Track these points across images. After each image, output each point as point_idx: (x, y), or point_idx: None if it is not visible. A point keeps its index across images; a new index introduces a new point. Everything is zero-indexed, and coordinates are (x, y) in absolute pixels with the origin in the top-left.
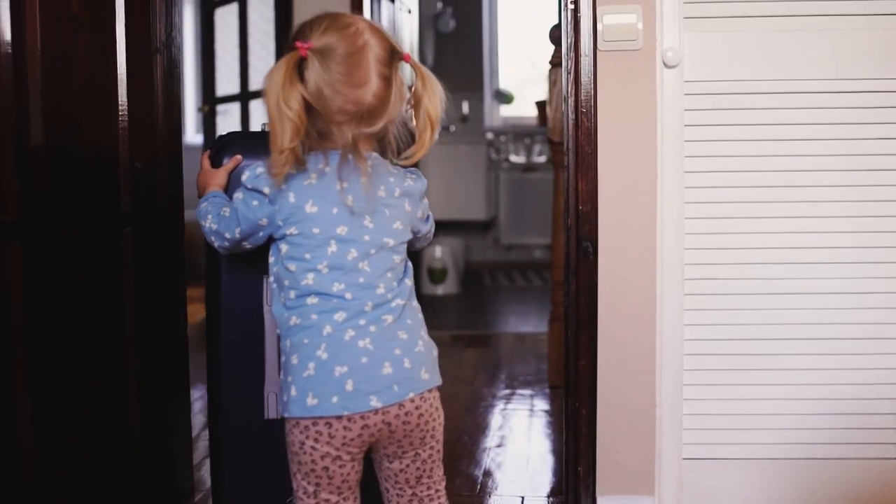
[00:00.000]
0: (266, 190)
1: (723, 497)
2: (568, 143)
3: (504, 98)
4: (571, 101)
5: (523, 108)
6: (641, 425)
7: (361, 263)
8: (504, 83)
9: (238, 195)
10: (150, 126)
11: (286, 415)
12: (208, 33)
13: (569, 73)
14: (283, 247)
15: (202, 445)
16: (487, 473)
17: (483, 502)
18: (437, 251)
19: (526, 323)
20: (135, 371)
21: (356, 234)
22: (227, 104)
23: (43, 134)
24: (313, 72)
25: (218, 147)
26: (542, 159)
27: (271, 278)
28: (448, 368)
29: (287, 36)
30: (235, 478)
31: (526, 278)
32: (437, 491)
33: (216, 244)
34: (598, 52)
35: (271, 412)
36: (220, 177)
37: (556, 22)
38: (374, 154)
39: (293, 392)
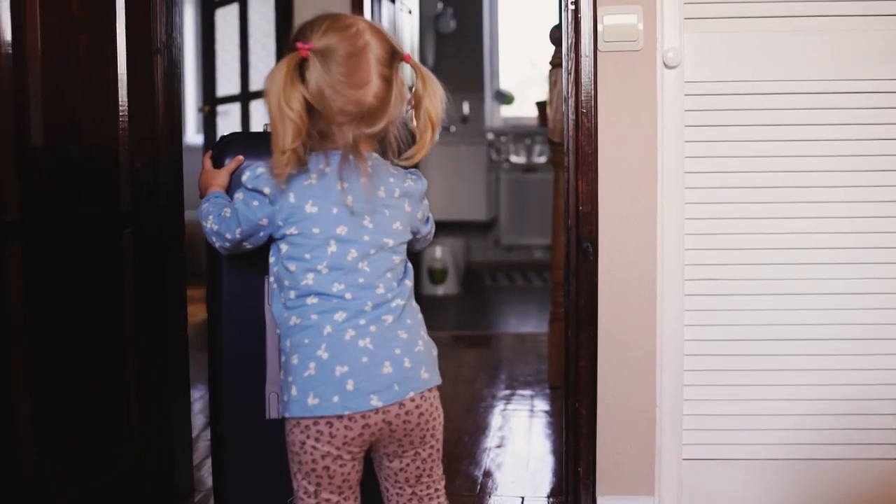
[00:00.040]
0: (266, 190)
1: (723, 497)
2: (568, 144)
3: (504, 98)
4: (572, 101)
5: (524, 109)
6: (641, 426)
7: (361, 263)
8: (504, 84)
9: (238, 195)
10: (150, 126)
11: (287, 414)
12: (209, 33)
13: (569, 73)
14: (283, 247)
15: (202, 445)
16: (487, 474)
17: (483, 503)
18: (438, 251)
19: (526, 323)
20: (135, 371)
21: (356, 235)
22: (228, 104)
23: (43, 134)
24: (314, 73)
25: (220, 147)
26: (543, 160)
27: (271, 278)
28: (448, 369)
29: (287, 36)
30: (237, 478)
31: (526, 279)
32: (436, 490)
33: (217, 245)
34: (598, 52)
35: (273, 412)
36: (221, 177)
37: (556, 22)
38: (374, 154)
39: (294, 392)
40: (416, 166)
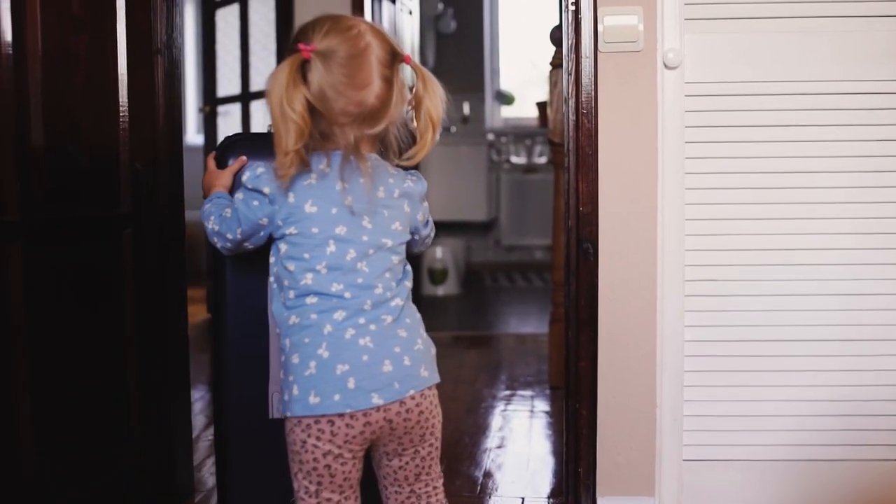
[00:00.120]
0: (266, 190)
1: (723, 498)
2: (568, 145)
3: (505, 99)
4: (572, 102)
5: (524, 109)
6: (642, 426)
7: (360, 264)
8: (505, 84)
9: (239, 195)
10: (150, 127)
11: (288, 414)
12: (209, 34)
13: (569, 74)
14: (283, 246)
15: (202, 446)
16: (488, 474)
17: (483, 503)
18: (438, 252)
19: (526, 324)
20: (135, 371)
21: (355, 235)
22: (228, 105)
23: (43, 134)
24: (316, 74)
25: (223, 148)
26: (543, 160)
27: (271, 278)
28: (449, 369)
29: (288, 37)
30: (240, 477)
31: (526, 279)
32: (434, 488)
33: (219, 245)
34: (598, 53)
35: (275, 412)
36: (224, 178)
37: (556, 23)
38: (374, 155)
39: (295, 391)
40: (416, 167)
